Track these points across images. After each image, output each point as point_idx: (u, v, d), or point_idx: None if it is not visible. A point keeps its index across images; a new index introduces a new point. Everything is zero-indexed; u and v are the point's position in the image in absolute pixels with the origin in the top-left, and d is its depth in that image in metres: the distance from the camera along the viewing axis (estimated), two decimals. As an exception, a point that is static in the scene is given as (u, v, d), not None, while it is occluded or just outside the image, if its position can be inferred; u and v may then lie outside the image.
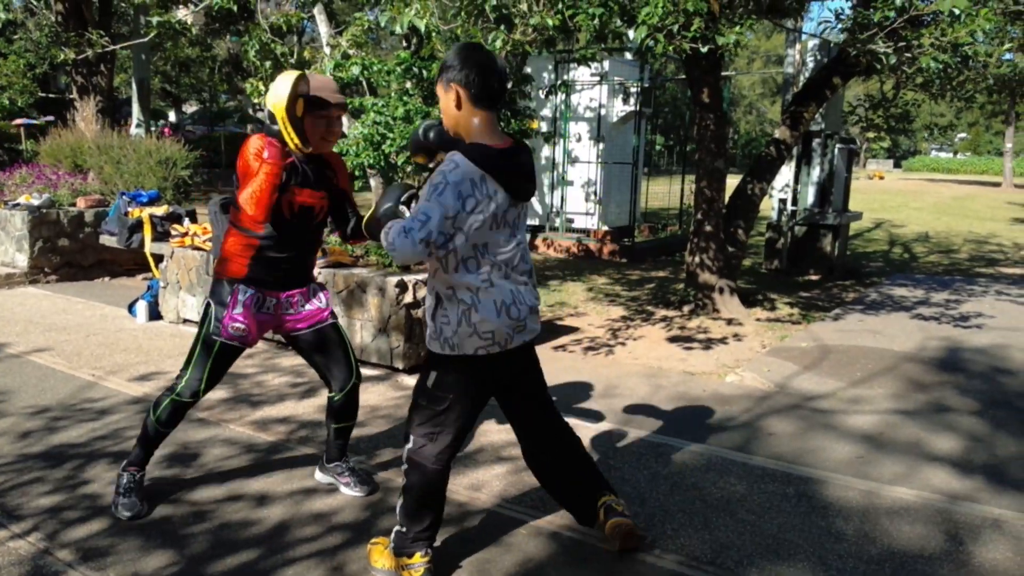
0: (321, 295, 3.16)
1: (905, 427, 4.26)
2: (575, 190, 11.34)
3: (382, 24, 4.89)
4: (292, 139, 2.72)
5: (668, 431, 4.10)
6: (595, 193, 11.20)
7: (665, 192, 13.81)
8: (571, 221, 11.41)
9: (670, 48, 4.89)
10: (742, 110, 51.55)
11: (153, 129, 12.98)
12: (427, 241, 2.26)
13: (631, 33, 5.46)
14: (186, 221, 6.97)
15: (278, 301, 3.03)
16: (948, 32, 4.99)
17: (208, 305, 2.97)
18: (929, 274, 10.05)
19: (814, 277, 9.51)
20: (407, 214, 2.52)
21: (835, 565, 2.77)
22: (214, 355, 2.95)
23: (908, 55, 5.20)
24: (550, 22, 4.53)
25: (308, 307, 3.10)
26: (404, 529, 2.58)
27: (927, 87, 7.83)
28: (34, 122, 15.61)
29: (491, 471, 3.51)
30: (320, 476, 3.35)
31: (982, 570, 2.76)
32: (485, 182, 2.33)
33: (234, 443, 3.76)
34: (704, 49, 5.00)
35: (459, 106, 2.40)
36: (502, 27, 4.87)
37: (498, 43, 4.77)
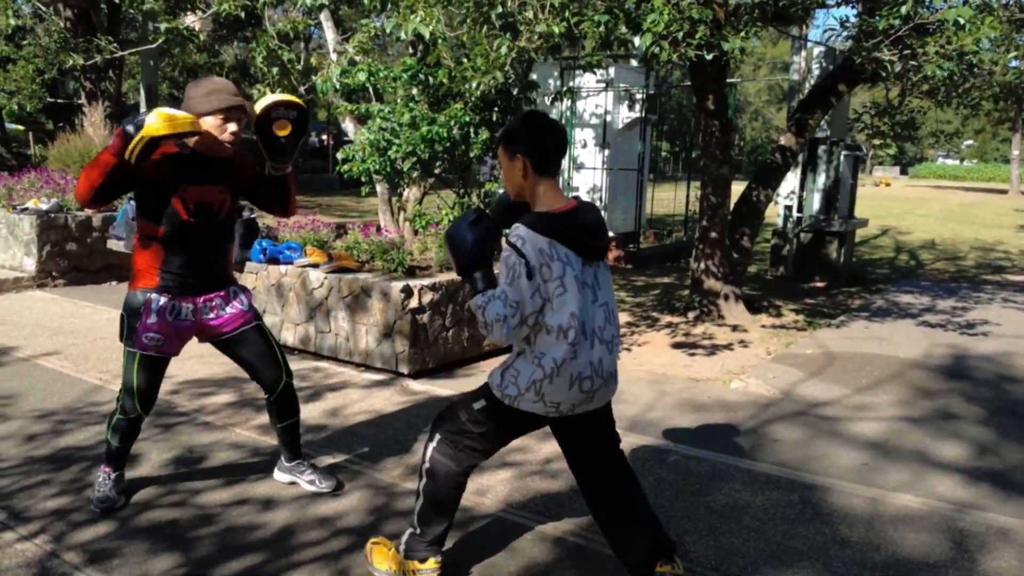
0: (243, 297, 3.13)
1: (911, 434, 4.25)
2: (580, 196, 11.34)
3: (388, 31, 4.91)
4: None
5: (672, 437, 4.10)
6: (600, 199, 11.22)
7: (670, 198, 13.82)
8: (576, 227, 11.39)
9: (675, 55, 4.91)
10: (748, 117, 51.57)
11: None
12: (522, 325, 2.30)
13: (636, 40, 5.47)
14: (193, 226, 7.00)
15: (195, 307, 3.01)
16: (953, 40, 5.00)
17: (122, 318, 2.97)
18: (935, 281, 10.03)
19: (820, 284, 9.50)
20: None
21: (839, 572, 2.77)
22: (137, 368, 2.96)
23: (913, 63, 5.21)
24: (556, 29, 4.55)
25: (229, 310, 3.08)
26: (419, 532, 2.57)
27: (933, 94, 7.81)
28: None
29: (496, 476, 3.52)
30: (279, 475, 3.37)
31: (987, 578, 2.76)
32: (555, 248, 2.30)
33: (240, 447, 3.77)
34: (709, 56, 5.01)
35: (525, 176, 2.41)
36: (507, 34, 4.90)
37: (503, 50, 4.79)
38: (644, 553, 2.52)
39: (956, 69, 5.01)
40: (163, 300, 2.93)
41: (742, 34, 4.92)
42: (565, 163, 11.28)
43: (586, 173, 11.28)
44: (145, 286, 2.93)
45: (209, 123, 2.82)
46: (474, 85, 5.25)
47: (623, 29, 5.48)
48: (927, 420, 4.50)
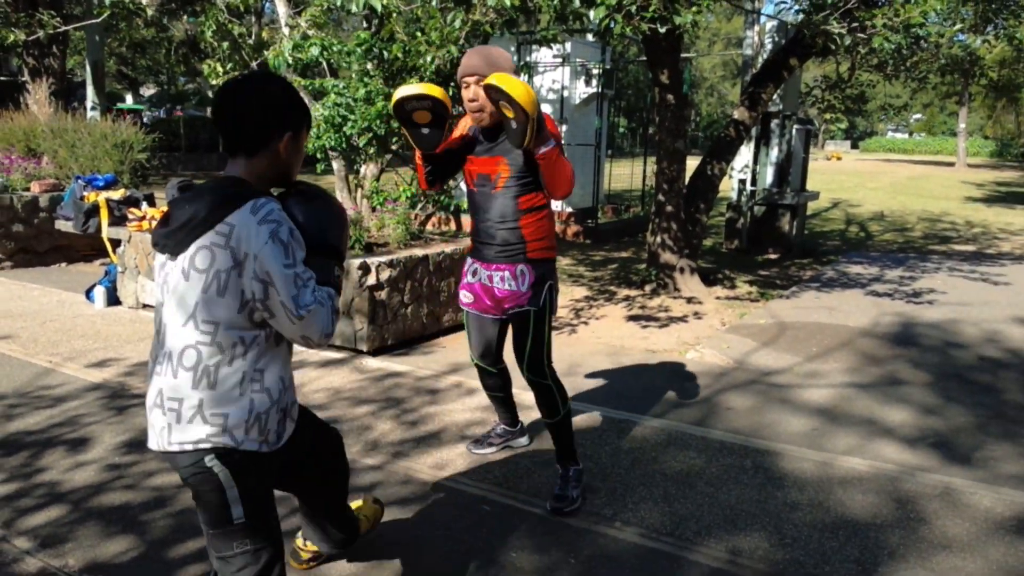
0: (527, 279, 2.97)
1: (859, 400, 4.37)
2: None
3: (339, 3, 4.82)
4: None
5: (629, 407, 4.16)
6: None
7: (628, 174, 13.89)
8: (535, 203, 11.40)
9: (628, 29, 4.91)
10: (703, 92, 51.88)
11: (148, 112, 12.67)
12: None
13: (592, 14, 5.46)
14: (144, 205, 6.85)
15: (487, 273, 3.05)
16: (901, 12, 5.08)
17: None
18: (883, 252, 10.26)
19: (773, 256, 9.66)
20: None
21: (790, 534, 2.85)
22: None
23: (862, 36, 5.29)
24: (508, 2, 4.52)
25: (508, 287, 2.99)
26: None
27: (881, 68, 7.96)
28: None
29: (455, 450, 3.54)
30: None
31: (931, 535, 2.86)
32: None
33: (196, 428, 3.73)
34: (662, 29, 5.02)
35: None
36: (460, 8, 4.85)
37: (456, 23, 4.74)
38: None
39: (903, 42, 5.10)
40: (468, 258, 3.15)
41: (695, 8, 4.94)
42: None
43: (544, 149, 11.25)
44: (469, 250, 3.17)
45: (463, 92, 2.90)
46: (428, 59, 5.20)
47: (577, 3, 5.47)
48: (875, 386, 4.63)
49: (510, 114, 2.66)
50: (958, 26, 6.36)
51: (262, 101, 1.87)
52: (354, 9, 4.42)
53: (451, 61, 5.55)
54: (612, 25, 4.95)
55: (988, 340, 5.69)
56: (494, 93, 2.63)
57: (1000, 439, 3.82)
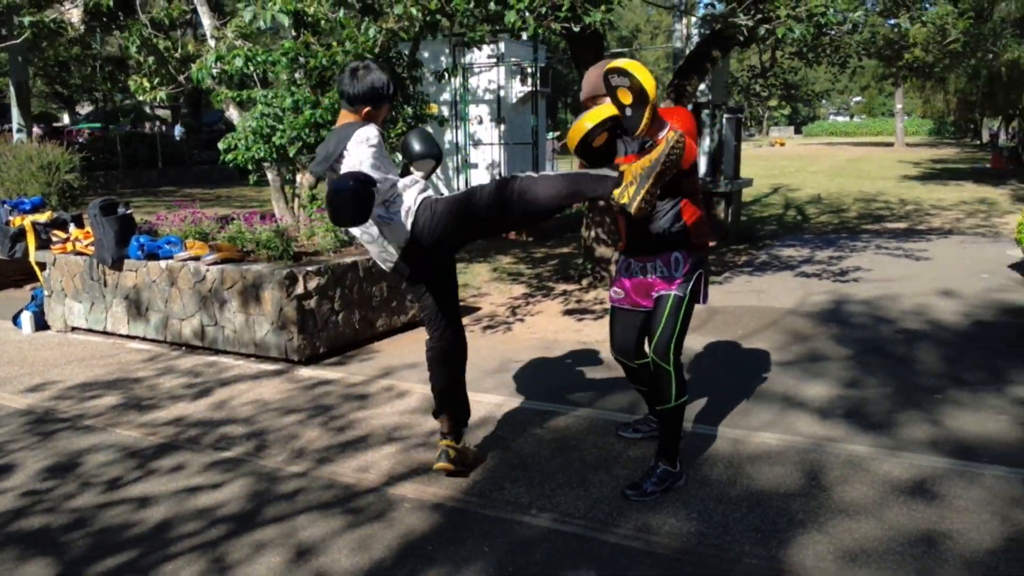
0: (680, 267, 3.14)
1: (778, 377, 4.52)
2: (479, 172, 11.43)
3: (246, 20, 4.83)
4: None
5: (556, 398, 4.24)
6: (499, 174, 11.31)
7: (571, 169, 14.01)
8: (477, 203, 11.47)
9: (541, 29, 5.01)
10: (649, 85, 52.30)
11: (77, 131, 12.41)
12: None
13: (506, 16, 5.54)
14: (71, 227, 6.76)
15: (639, 265, 3.23)
16: (802, 2, 5.25)
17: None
18: (817, 234, 10.53)
19: (709, 244, 9.85)
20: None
21: (697, 508, 2.96)
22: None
23: (767, 26, 5.45)
24: (415, 11, 4.57)
25: (659, 275, 3.16)
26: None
27: (801, 56, 8.19)
28: None
29: (380, 452, 3.59)
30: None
31: (831, 501, 2.99)
32: None
33: (120, 448, 3.72)
34: (576, 28, 5.13)
35: None
36: (369, 17, 4.89)
37: (370, 32, 4.79)
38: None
39: (806, 31, 5.27)
40: (621, 258, 3.34)
41: (603, 7, 5.05)
42: (463, 140, 11.33)
43: (484, 149, 11.35)
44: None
45: None
46: (348, 68, 5.23)
47: (492, 5, 5.55)
48: (796, 363, 4.78)
49: (627, 99, 2.64)
50: (857, 12, 6.57)
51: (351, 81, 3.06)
52: (262, 25, 4.43)
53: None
54: (526, 26, 5.04)
55: (908, 313, 5.91)
56: (616, 77, 2.62)
57: (907, 406, 3.99)
